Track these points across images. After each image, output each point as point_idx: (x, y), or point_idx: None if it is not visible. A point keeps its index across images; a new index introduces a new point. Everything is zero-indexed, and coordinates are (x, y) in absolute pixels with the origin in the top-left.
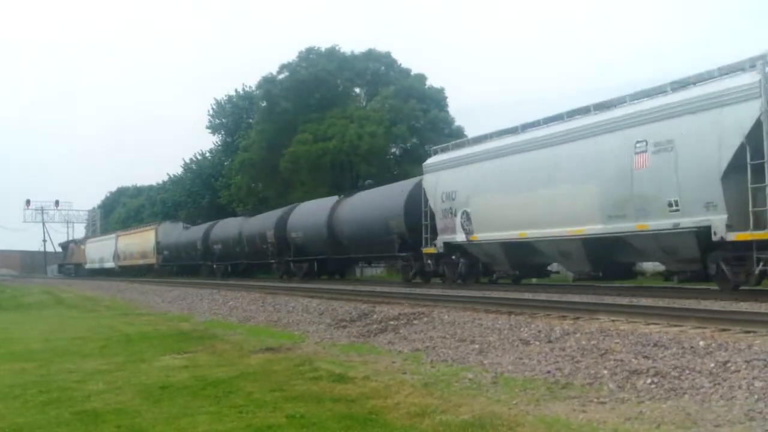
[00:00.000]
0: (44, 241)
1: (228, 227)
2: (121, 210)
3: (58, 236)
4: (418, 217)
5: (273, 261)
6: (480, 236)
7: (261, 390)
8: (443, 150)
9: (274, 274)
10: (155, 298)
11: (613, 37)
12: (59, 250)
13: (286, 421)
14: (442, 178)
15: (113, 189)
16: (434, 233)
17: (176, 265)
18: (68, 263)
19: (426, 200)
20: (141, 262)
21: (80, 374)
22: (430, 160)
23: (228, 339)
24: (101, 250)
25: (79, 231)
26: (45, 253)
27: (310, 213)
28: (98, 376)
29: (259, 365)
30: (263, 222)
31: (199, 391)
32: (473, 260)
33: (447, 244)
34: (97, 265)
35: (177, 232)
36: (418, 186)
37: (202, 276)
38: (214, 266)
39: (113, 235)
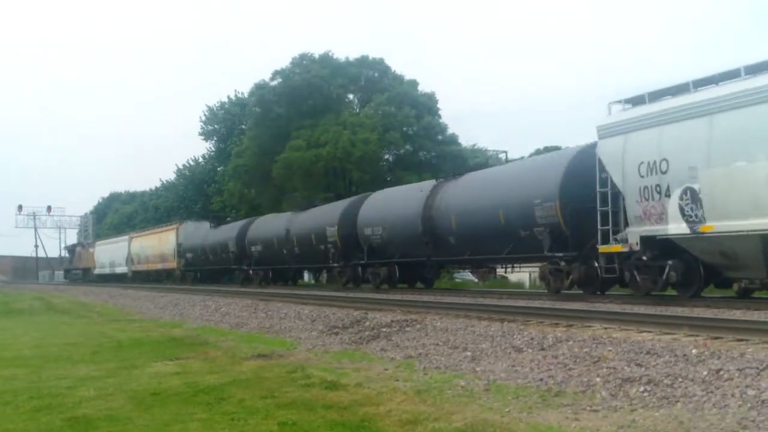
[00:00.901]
0: (36, 246)
1: (271, 224)
2: (114, 216)
3: (50, 242)
4: (584, 202)
5: (336, 265)
6: (721, 225)
7: (253, 397)
8: (634, 102)
9: (336, 281)
10: (147, 304)
11: (611, 43)
12: (53, 255)
13: (278, 428)
14: (636, 142)
15: (106, 195)
16: (616, 224)
17: (202, 270)
18: (75, 268)
19: (605, 176)
20: (159, 266)
21: (71, 380)
22: (608, 119)
23: (220, 345)
24: (112, 254)
25: (72, 237)
26: (36, 258)
27: (394, 203)
28: (89, 383)
29: (251, 372)
30: (322, 216)
31: (190, 398)
32: (691, 262)
33: (646, 239)
34: (107, 270)
35: (203, 233)
36: (582, 157)
37: (234, 283)
38: (251, 272)
39: (126, 237)
